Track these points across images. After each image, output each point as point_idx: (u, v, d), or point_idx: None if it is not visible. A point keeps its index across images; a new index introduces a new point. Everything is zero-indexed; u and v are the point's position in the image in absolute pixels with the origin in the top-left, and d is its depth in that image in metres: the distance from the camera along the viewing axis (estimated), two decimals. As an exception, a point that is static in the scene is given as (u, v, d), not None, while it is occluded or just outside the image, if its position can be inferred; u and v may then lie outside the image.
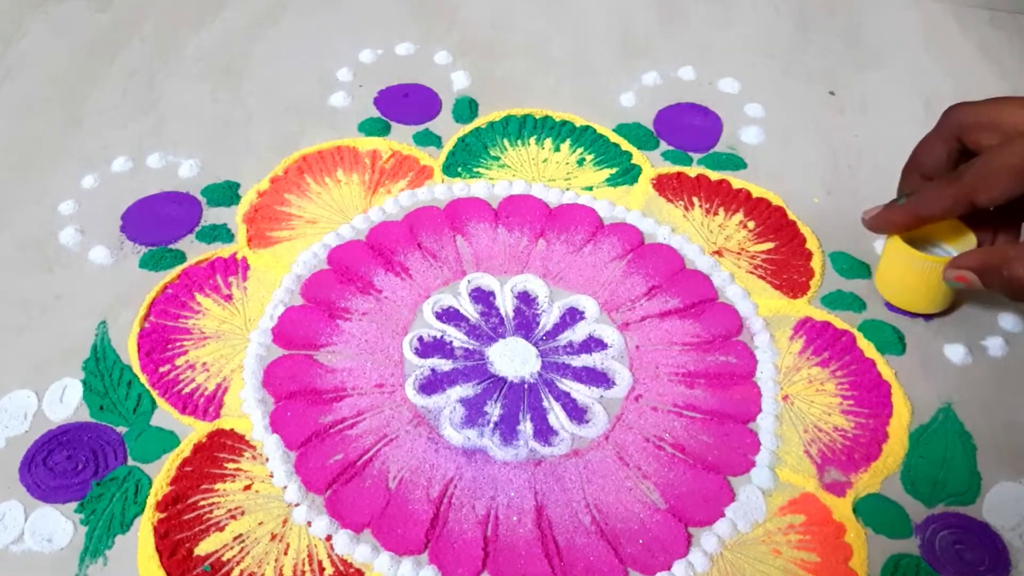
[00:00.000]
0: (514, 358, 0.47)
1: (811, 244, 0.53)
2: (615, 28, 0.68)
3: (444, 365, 0.47)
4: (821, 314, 0.49)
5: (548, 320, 0.49)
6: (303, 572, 0.39)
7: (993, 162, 0.42)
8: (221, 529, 0.40)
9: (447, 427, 0.44)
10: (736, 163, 0.58)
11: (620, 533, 0.41)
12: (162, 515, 0.40)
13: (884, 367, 0.47)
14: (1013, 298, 0.42)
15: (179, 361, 0.46)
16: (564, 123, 0.60)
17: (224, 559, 0.39)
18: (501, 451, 0.43)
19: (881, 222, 0.47)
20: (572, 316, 0.49)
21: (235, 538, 0.40)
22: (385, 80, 0.63)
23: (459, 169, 0.56)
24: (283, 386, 0.45)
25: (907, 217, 0.45)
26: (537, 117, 0.60)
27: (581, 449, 0.44)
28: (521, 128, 0.59)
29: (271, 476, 0.42)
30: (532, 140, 0.59)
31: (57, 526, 0.40)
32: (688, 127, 0.60)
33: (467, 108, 0.61)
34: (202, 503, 0.41)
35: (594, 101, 0.62)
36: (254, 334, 0.47)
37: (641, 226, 0.53)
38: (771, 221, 0.54)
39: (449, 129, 0.59)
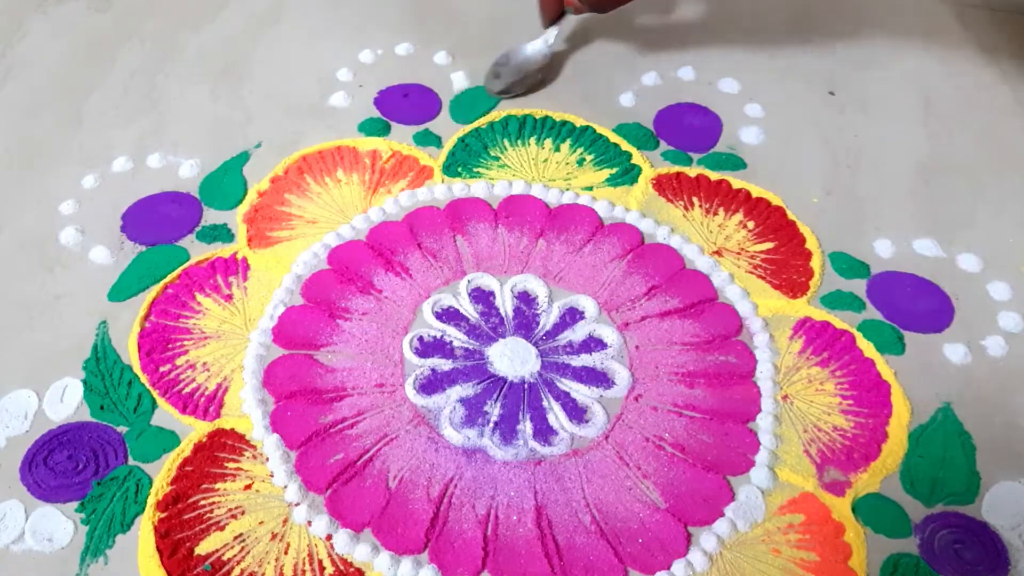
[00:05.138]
0: (514, 358, 0.47)
1: (811, 244, 0.53)
2: (615, 28, 0.68)
3: (444, 365, 0.47)
4: (820, 314, 0.49)
5: (548, 320, 0.49)
6: (303, 571, 0.39)
7: None
8: (221, 528, 0.40)
9: (447, 427, 0.44)
10: (736, 163, 0.58)
11: (620, 532, 0.41)
12: (163, 514, 0.40)
13: (883, 367, 0.47)
14: (596, 9, 0.58)
15: (179, 361, 0.46)
16: (564, 123, 0.60)
17: (225, 558, 0.39)
18: (501, 451, 0.43)
19: (542, 13, 0.62)
20: (572, 316, 0.49)
21: (235, 537, 0.40)
22: (385, 80, 0.63)
23: (459, 169, 0.57)
24: (283, 386, 0.45)
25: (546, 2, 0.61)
26: (537, 117, 0.60)
27: (581, 449, 0.44)
28: (521, 128, 0.59)
29: (271, 476, 0.42)
30: (532, 140, 0.59)
31: (58, 525, 0.40)
32: (688, 127, 0.60)
33: (467, 108, 0.61)
34: (202, 502, 0.41)
35: (594, 101, 0.62)
36: (254, 334, 0.47)
37: (641, 226, 0.53)
38: (771, 221, 0.54)
39: (449, 129, 0.59)
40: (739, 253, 0.52)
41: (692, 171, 0.57)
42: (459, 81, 0.63)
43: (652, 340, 0.48)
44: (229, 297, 0.49)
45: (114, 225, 0.53)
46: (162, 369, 0.46)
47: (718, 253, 0.52)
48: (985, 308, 0.50)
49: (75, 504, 0.41)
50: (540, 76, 0.62)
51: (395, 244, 0.52)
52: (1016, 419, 0.45)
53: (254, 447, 0.43)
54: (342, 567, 0.39)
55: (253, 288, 0.50)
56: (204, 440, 0.43)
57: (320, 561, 0.39)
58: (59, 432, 0.43)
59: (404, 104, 0.61)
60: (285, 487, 0.42)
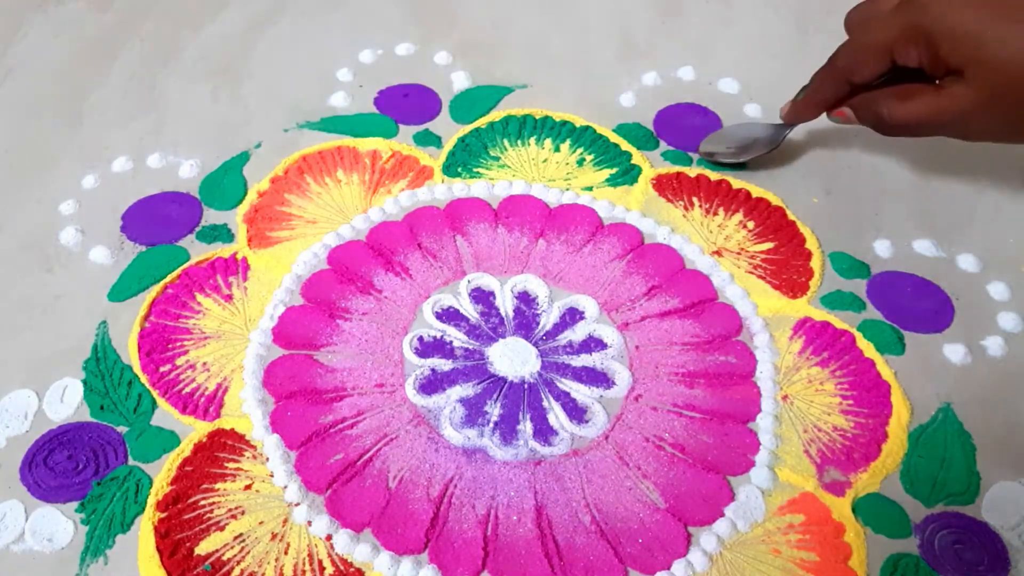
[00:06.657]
0: (514, 358, 0.47)
1: (811, 244, 0.53)
2: (615, 28, 0.68)
3: (444, 365, 0.47)
4: (820, 314, 0.49)
5: (548, 320, 0.49)
6: (303, 572, 0.39)
7: (856, 43, 0.48)
8: (221, 529, 0.40)
9: (447, 427, 0.44)
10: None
11: (620, 533, 0.41)
12: (163, 515, 0.40)
13: (883, 367, 0.47)
14: (878, 131, 0.49)
15: (179, 361, 0.46)
16: (564, 123, 0.60)
17: (224, 558, 0.39)
18: (501, 451, 0.43)
19: (792, 114, 0.54)
20: (572, 316, 0.49)
21: (235, 537, 0.40)
22: (385, 80, 0.63)
23: (459, 169, 0.57)
24: (283, 386, 0.45)
25: (807, 106, 0.53)
26: (537, 117, 0.60)
27: (581, 449, 0.44)
28: (521, 128, 0.59)
29: (271, 476, 0.42)
30: (532, 140, 0.59)
31: (58, 526, 0.40)
32: (688, 127, 0.60)
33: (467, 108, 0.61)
34: (202, 503, 0.41)
35: (594, 101, 0.62)
36: (254, 334, 0.47)
37: (641, 226, 0.53)
38: (771, 221, 0.54)
39: (449, 129, 0.59)
40: (739, 253, 0.52)
41: (692, 171, 0.57)
42: (459, 81, 0.63)
43: (652, 340, 0.48)
44: (229, 297, 0.49)
45: (114, 225, 0.53)
46: (162, 369, 0.46)
47: (718, 253, 0.52)
48: (985, 308, 0.50)
49: (75, 504, 0.41)
50: (764, 151, 0.57)
51: (395, 244, 0.52)
52: (1016, 419, 0.45)
53: (254, 447, 0.43)
54: (342, 567, 0.39)
55: (253, 288, 0.50)
56: (204, 440, 0.43)
57: (320, 561, 0.39)
58: (59, 432, 0.43)
59: (404, 104, 0.61)
60: (285, 487, 0.42)
